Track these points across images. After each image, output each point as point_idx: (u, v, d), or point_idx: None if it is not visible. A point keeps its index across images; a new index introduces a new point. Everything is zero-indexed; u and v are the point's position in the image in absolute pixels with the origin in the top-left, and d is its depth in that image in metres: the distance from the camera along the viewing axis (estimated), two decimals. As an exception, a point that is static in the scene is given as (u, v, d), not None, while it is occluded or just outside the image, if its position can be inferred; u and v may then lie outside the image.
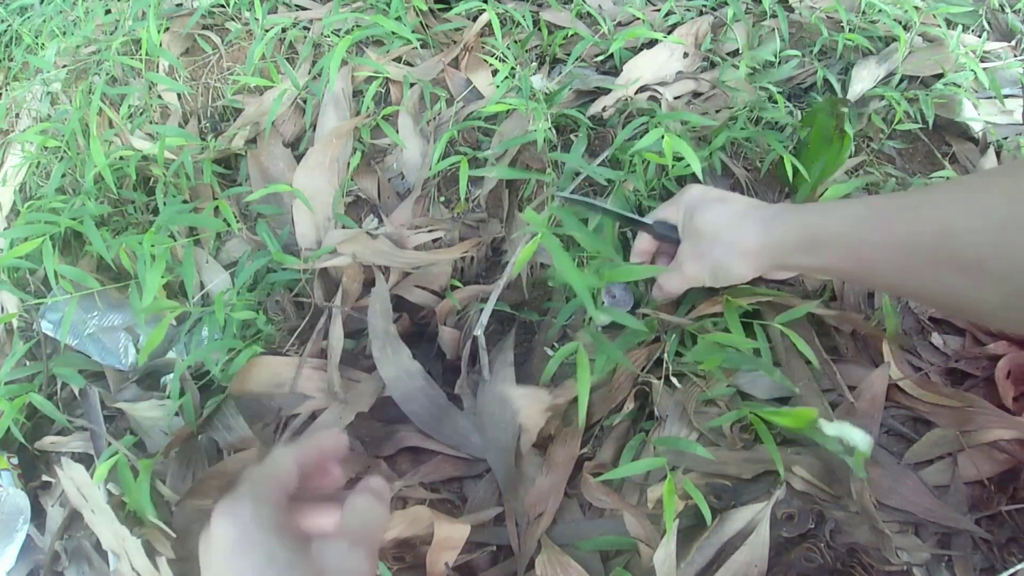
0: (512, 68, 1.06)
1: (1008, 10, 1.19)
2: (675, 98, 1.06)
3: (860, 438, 0.66)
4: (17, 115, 1.31)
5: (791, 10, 1.18)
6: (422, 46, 1.19)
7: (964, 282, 0.47)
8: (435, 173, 1.03)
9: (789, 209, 0.66)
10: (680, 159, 0.88)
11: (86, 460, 0.93)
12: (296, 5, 1.29)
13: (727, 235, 0.69)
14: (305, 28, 1.24)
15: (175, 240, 0.99)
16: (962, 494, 0.74)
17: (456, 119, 1.09)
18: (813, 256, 0.62)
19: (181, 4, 1.34)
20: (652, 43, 1.12)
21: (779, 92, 1.02)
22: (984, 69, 1.03)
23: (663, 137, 0.85)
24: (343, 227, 1.02)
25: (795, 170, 0.90)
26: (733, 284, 0.74)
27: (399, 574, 0.75)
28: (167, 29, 1.27)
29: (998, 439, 0.75)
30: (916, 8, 1.09)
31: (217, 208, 1.01)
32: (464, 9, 1.15)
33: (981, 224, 0.45)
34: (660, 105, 1.04)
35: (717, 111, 1.01)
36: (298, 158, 1.10)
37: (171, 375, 0.94)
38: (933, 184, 0.53)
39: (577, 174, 0.94)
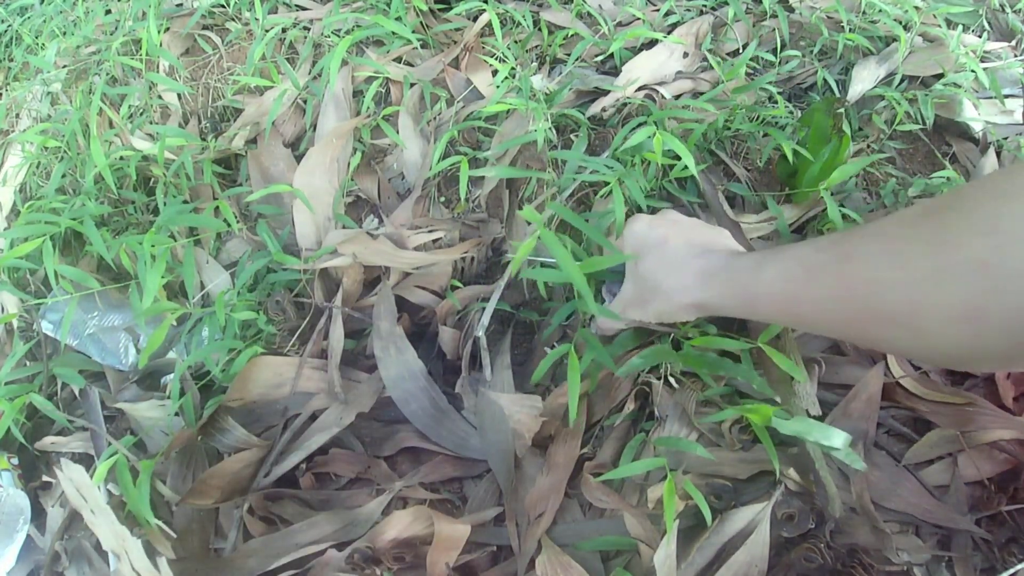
0: (512, 68, 1.06)
1: (1008, 10, 1.19)
2: (675, 97, 1.06)
3: (839, 438, 0.66)
4: (17, 115, 1.31)
5: (791, 10, 1.18)
6: (422, 46, 1.19)
7: (899, 334, 0.45)
8: (435, 173, 1.03)
9: (725, 264, 0.64)
10: (679, 159, 0.87)
11: (86, 460, 0.93)
12: (296, 5, 1.29)
13: (666, 285, 0.67)
14: (305, 28, 1.24)
15: (175, 240, 0.99)
16: (962, 494, 0.74)
17: (456, 119, 1.09)
18: (751, 312, 0.62)
19: (181, 4, 1.34)
20: (652, 43, 1.12)
21: (779, 92, 1.02)
22: (984, 69, 1.03)
23: (655, 135, 0.85)
24: (343, 227, 1.02)
25: (794, 170, 0.90)
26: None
27: (399, 574, 0.75)
28: (167, 29, 1.27)
29: (998, 439, 0.75)
30: (916, 8, 1.09)
31: (217, 208, 1.01)
32: (464, 9, 1.15)
33: (904, 276, 0.43)
34: (657, 104, 1.04)
35: (718, 110, 1.01)
36: (298, 158, 1.10)
37: (171, 375, 0.94)
38: (864, 228, 0.50)
39: (577, 175, 0.94)
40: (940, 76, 1.07)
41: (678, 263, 0.68)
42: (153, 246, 0.89)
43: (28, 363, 1.01)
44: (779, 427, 0.67)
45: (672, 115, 0.94)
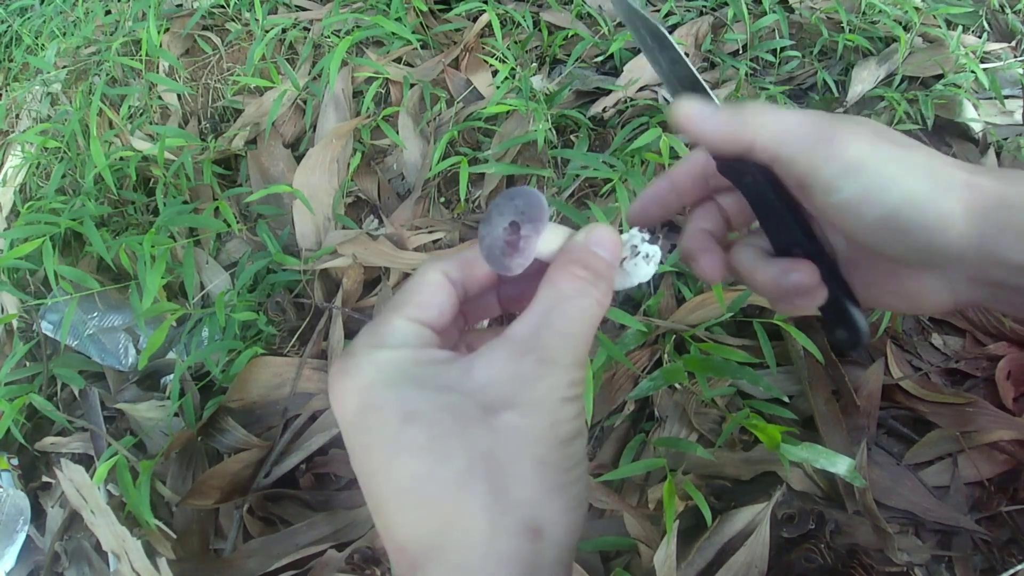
0: (512, 69, 1.06)
1: (1008, 11, 1.19)
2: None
3: (843, 464, 0.66)
4: (17, 116, 1.31)
5: (791, 11, 1.18)
6: (422, 47, 1.19)
7: None
8: (435, 174, 1.03)
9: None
10: (678, 158, 0.88)
11: (86, 461, 0.93)
12: (296, 6, 1.29)
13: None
14: (305, 29, 1.24)
15: (175, 241, 0.99)
16: (962, 494, 0.74)
17: (456, 120, 1.09)
18: None
19: (181, 5, 1.34)
20: (652, 44, 1.12)
21: (779, 92, 1.02)
22: (984, 70, 1.03)
23: (661, 136, 0.85)
24: (343, 228, 1.02)
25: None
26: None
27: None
28: (167, 30, 1.27)
29: (998, 439, 0.75)
30: (916, 9, 1.09)
31: (217, 209, 1.01)
32: (464, 10, 1.15)
33: None
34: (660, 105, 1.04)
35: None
36: (298, 159, 1.09)
37: (171, 376, 0.94)
38: None
39: (577, 175, 0.94)
40: (940, 77, 1.07)
41: (935, 170, 0.39)
42: (153, 246, 0.89)
43: (28, 363, 1.01)
44: (787, 453, 0.67)
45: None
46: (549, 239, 0.31)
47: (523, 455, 0.26)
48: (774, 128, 0.31)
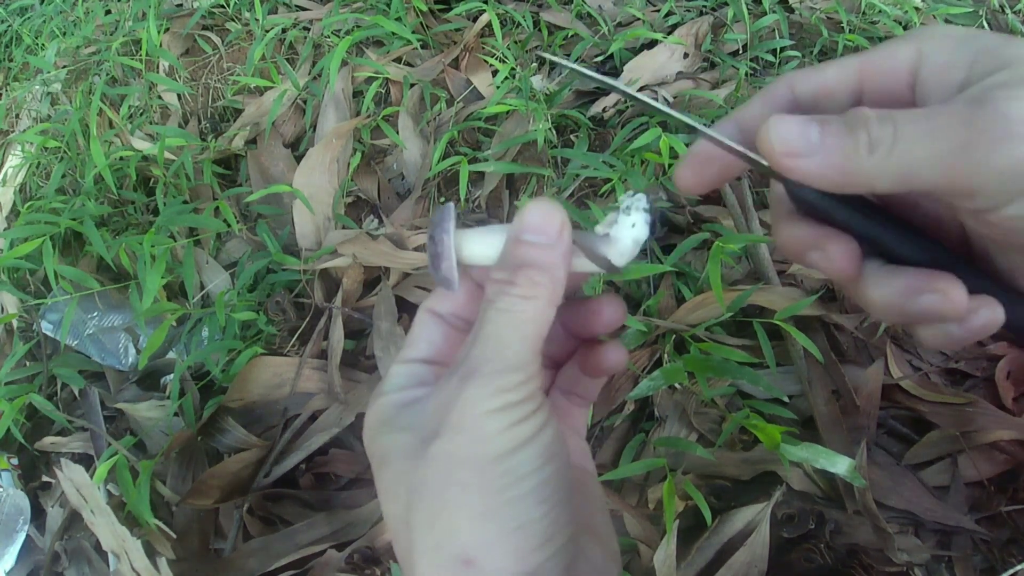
0: (512, 69, 1.06)
1: (1008, 10, 1.19)
2: (675, 97, 1.06)
3: (843, 464, 0.66)
4: (17, 115, 1.31)
5: (791, 11, 1.18)
6: (422, 47, 1.19)
7: None
8: (435, 173, 1.03)
9: None
10: (677, 157, 0.88)
11: (86, 461, 0.93)
12: (296, 5, 1.29)
13: None
14: (305, 28, 1.24)
15: (175, 240, 0.99)
16: (962, 494, 0.74)
17: (456, 120, 1.09)
18: None
19: (181, 4, 1.34)
20: (652, 43, 1.12)
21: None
22: (984, 70, 1.03)
23: (661, 136, 0.85)
24: (343, 227, 1.02)
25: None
26: None
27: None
28: (167, 30, 1.27)
29: (998, 439, 0.75)
30: (916, 8, 1.09)
31: (217, 209, 1.01)
32: (464, 10, 1.15)
33: None
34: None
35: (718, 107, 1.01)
36: (298, 158, 1.10)
37: (171, 376, 0.94)
38: None
39: (577, 175, 0.94)
40: (940, 76, 1.07)
41: None
42: (153, 246, 0.89)
43: (28, 363, 1.01)
44: (787, 453, 0.67)
45: (677, 117, 0.94)
46: (480, 242, 0.28)
47: (448, 483, 0.25)
48: (905, 162, 0.22)
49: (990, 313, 0.25)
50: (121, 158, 1.09)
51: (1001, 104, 0.22)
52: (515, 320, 0.26)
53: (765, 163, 0.25)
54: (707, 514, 0.68)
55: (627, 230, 0.27)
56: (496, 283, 0.26)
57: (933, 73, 0.25)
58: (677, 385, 0.79)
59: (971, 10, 1.15)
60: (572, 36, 1.14)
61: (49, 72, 1.26)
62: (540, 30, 1.15)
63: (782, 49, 1.09)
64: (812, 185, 0.24)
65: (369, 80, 1.12)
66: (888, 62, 0.26)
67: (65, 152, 1.15)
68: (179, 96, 1.23)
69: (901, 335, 0.84)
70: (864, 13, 1.13)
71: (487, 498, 0.24)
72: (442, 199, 1.05)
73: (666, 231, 0.82)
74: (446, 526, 0.25)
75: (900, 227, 0.25)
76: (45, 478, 0.95)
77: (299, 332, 0.95)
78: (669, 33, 1.12)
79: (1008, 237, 0.24)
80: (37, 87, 1.29)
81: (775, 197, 0.29)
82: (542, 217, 0.27)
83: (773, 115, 0.24)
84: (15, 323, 1.07)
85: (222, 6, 1.28)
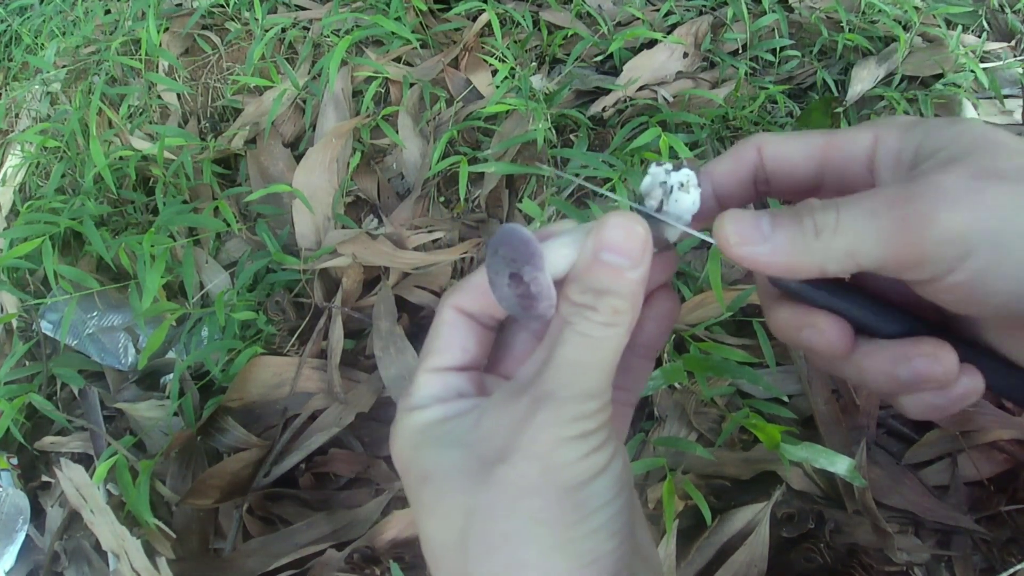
0: (512, 68, 1.06)
1: (1008, 10, 1.19)
2: (675, 97, 1.06)
3: (843, 464, 0.66)
4: (17, 115, 1.31)
5: (791, 10, 1.18)
6: (422, 46, 1.18)
7: None
8: (435, 173, 1.03)
9: None
10: (677, 158, 0.88)
11: (86, 460, 0.93)
12: (296, 5, 1.29)
13: None
14: (305, 28, 1.24)
15: (175, 240, 0.99)
16: (962, 494, 0.74)
17: (456, 119, 1.09)
18: None
19: (181, 4, 1.34)
20: (652, 43, 1.12)
21: (779, 92, 1.02)
22: (984, 69, 1.03)
23: (661, 136, 0.85)
24: (343, 227, 1.01)
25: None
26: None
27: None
28: (167, 29, 1.27)
29: (998, 439, 0.75)
30: (916, 8, 1.09)
31: (217, 208, 1.01)
32: (464, 9, 1.15)
33: None
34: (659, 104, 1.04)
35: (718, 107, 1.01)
36: (298, 158, 1.09)
37: (171, 375, 0.94)
38: None
39: (577, 175, 0.94)
40: (940, 76, 1.07)
41: None
42: (153, 246, 0.89)
43: (28, 363, 1.01)
44: (786, 453, 0.67)
45: (678, 117, 0.94)
46: (557, 258, 0.26)
47: (515, 512, 0.23)
48: (848, 242, 0.24)
49: (970, 382, 0.25)
50: (121, 158, 1.09)
51: (933, 177, 0.23)
52: (595, 346, 0.25)
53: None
54: (707, 514, 0.68)
55: (687, 206, 0.28)
56: (575, 304, 0.25)
57: (887, 158, 0.26)
58: (677, 384, 0.79)
59: (971, 10, 1.15)
60: (572, 36, 1.14)
61: (49, 72, 1.26)
62: (540, 30, 1.15)
63: (782, 49, 1.09)
64: (767, 272, 0.26)
65: (369, 80, 1.12)
66: (849, 147, 0.27)
67: (65, 152, 1.15)
68: (179, 96, 1.23)
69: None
70: (864, 13, 1.13)
71: (559, 531, 0.23)
72: (442, 198, 1.05)
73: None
74: (511, 558, 0.23)
75: (878, 304, 0.27)
76: (45, 478, 0.95)
77: (299, 332, 0.95)
78: (669, 33, 1.12)
79: (966, 306, 0.24)
80: (37, 87, 1.29)
81: (761, 283, 0.30)
82: (624, 235, 0.25)
83: (727, 210, 0.26)
84: (15, 323, 1.07)
85: (222, 6, 1.28)
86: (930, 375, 0.25)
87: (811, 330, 0.27)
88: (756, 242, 0.25)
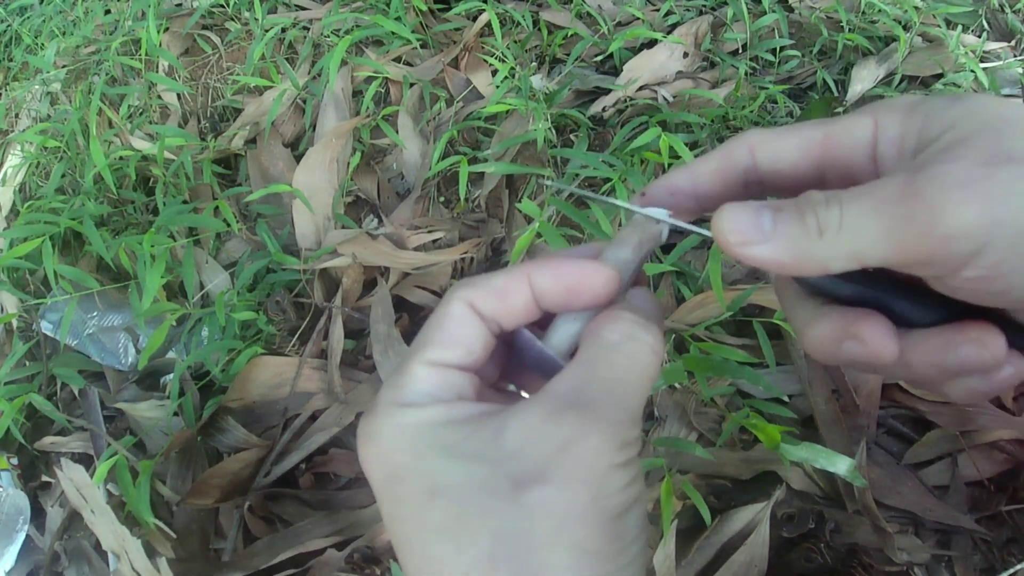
0: (512, 68, 1.06)
1: (1008, 10, 1.19)
2: (675, 97, 1.06)
3: (843, 464, 0.66)
4: (17, 115, 1.31)
5: (791, 10, 1.18)
6: (422, 46, 1.18)
7: None
8: (435, 173, 1.03)
9: None
10: (678, 157, 0.88)
11: (86, 460, 0.93)
12: (296, 5, 1.29)
13: None
14: (305, 28, 1.24)
15: (175, 240, 0.99)
16: (962, 494, 0.74)
17: (456, 119, 1.09)
18: None
19: (181, 4, 1.34)
20: (652, 43, 1.12)
21: (779, 92, 1.02)
22: (984, 69, 1.03)
23: (660, 136, 0.85)
24: (343, 227, 1.01)
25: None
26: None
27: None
28: (167, 29, 1.27)
29: (998, 439, 0.75)
30: (916, 8, 1.09)
31: (217, 208, 1.01)
32: (464, 9, 1.15)
33: None
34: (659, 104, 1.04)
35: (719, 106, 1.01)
36: (298, 158, 1.09)
37: (171, 375, 0.94)
38: None
39: (577, 175, 0.94)
40: (940, 76, 1.07)
41: None
42: (153, 246, 0.89)
43: (28, 363, 1.01)
44: (787, 453, 0.67)
45: (678, 117, 0.94)
46: (566, 335, 0.27)
47: (558, 539, 0.21)
48: (853, 241, 0.22)
49: (1013, 368, 0.24)
50: (121, 158, 1.09)
51: (938, 166, 0.21)
52: (641, 370, 0.24)
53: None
54: (706, 514, 0.68)
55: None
56: (624, 321, 0.24)
57: (889, 145, 0.25)
58: (677, 384, 0.79)
59: (971, 10, 1.15)
60: (572, 35, 1.14)
61: (49, 72, 1.26)
62: (540, 30, 1.15)
63: (782, 48, 1.09)
64: (767, 270, 0.24)
65: (369, 80, 1.12)
66: (848, 139, 0.26)
67: (65, 152, 1.15)
68: (179, 96, 1.23)
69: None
70: (864, 12, 1.12)
71: (602, 564, 0.22)
72: (442, 198, 1.05)
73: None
74: None
75: (908, 290, 0.24)
76: (45, 478, 0.95)
77: (299, 332, 0.95)
78: (669, 32, 1.12)
79: (984, 299, 0.23)
80: (37, 87, 1.29)
81: (787, 302, 0.28)
82: (646, 294, 0.26)
83: (726, 204, 0.24)
84: (15, 323, 1.07)
85: (222, 6, 1.28)
86: (979, 361, 0.23)
87: (852, 342, 0.24)
88: (756, 241, 0.23)
